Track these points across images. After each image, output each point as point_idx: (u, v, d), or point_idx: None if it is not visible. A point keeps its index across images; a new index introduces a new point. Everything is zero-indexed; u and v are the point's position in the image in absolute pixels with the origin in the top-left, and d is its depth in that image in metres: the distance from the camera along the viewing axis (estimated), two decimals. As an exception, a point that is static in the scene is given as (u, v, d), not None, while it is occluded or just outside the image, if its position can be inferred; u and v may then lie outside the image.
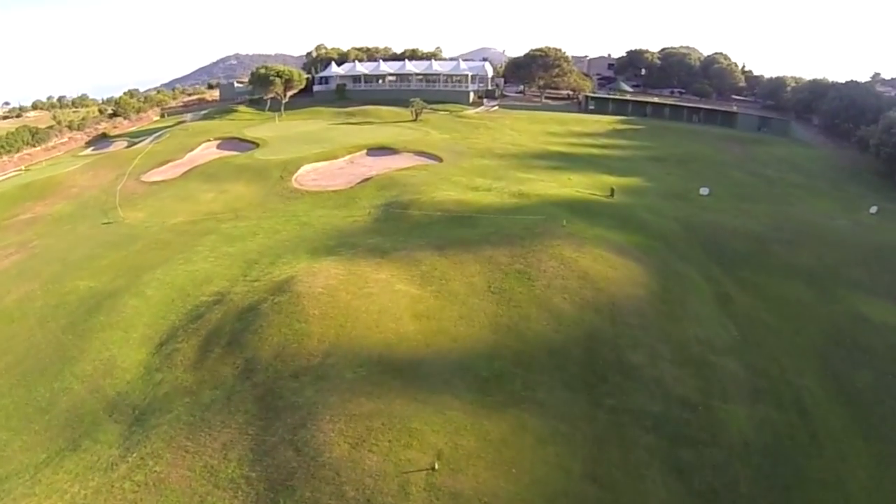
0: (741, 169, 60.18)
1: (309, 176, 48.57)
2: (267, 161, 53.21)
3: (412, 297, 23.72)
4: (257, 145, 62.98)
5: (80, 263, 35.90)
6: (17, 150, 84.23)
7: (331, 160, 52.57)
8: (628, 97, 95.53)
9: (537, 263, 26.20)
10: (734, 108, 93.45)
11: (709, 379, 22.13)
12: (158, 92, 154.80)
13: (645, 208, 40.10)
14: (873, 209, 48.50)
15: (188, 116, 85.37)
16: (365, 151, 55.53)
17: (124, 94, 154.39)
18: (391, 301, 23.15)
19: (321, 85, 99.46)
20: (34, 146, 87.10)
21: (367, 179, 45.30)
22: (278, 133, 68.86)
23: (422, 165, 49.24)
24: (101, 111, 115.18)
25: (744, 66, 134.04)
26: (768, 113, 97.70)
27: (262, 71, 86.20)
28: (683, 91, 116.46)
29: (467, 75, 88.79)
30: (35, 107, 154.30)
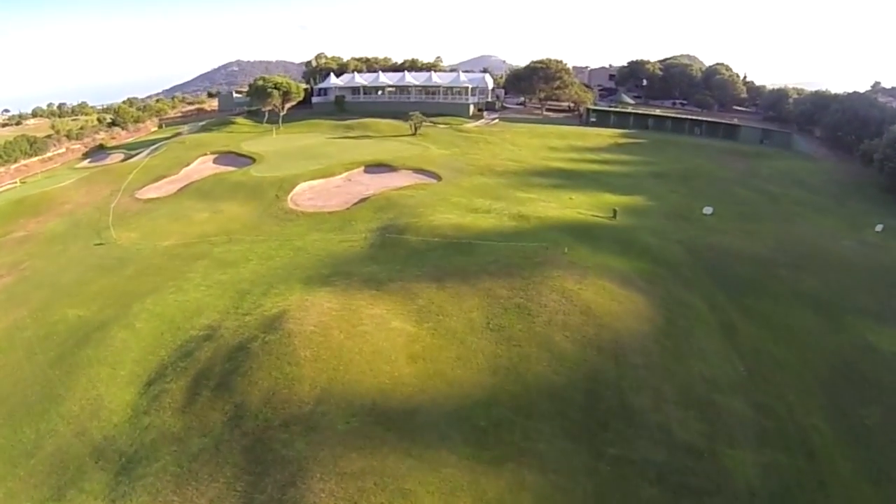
0: (744, 185, 59.65)
1: (305, 195, 48.01)
2: (262, 178, 52.71)
3: (408, 335, 23.11)
4: (254, 160, 62.56)
5: (70, 289, 35.39)
6: (15, 161, 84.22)
7: (327, 178, 52.05)
8: (630, 110, 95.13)
9: (538, 297, 25.60)
10: (736, 121, 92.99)
11: (714, 422, 21.52)
12: (158, 101, 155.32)
13: (648, 231, 39.58)
14: (879, 227, 48.08)
15: (185, 129, 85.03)
16: (362, 168, 55.02)
17: (123, 102, 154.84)
18: (386, 340, 22.54)
19: (320, 96, 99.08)
20: (32, 156, 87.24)
21: (363, 200, 44.73)
22: (275, 147, 68.39)
23: (420, 184, 48.67)
24: (99, 120, 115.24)
25: (745, 77, 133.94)
26: (770, 125, 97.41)
27: (260, 83, 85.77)
28: (685, 102, 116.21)
29: (467, 87, 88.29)
30: (35, 114, 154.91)
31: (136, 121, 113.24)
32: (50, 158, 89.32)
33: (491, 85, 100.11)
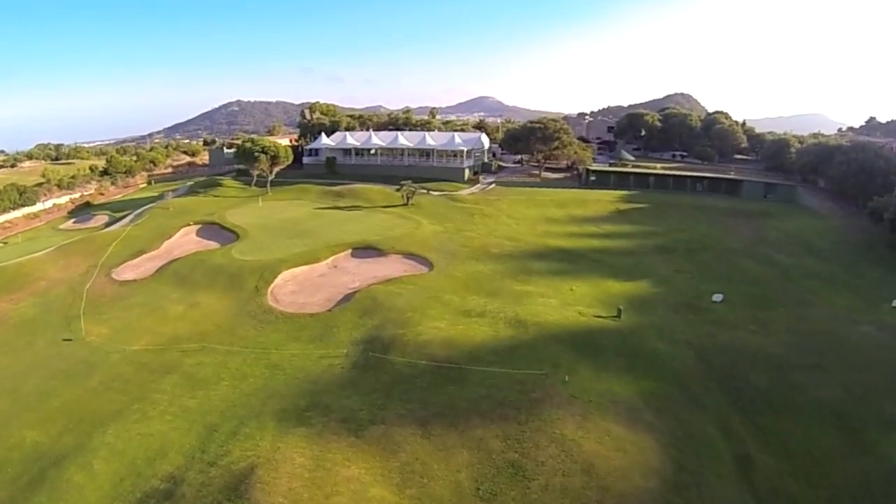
0: (752, 256, 57.83)
1: (287, 287, 46.00)
2: (244, 263, 50.85)
3: (387, 509, 20.73)
4: (237, 236, 61.16)
5: (30, 402, 33.36)
6: (3, 211, 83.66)
7: (312, 264, 50.21)
8: (630, 168, 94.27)
9: (534, 451, 23.25)
10: (733, 174, 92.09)
11: None
12: (152, 149, 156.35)
13: (655, 331, 37.57)
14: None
15: (170, 194, 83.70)
16: (349, 252, 53.29)
17: (117, 150, 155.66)
18: (362, 519, 20.15)
19: (311, 157, 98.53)
20: (21, 206, 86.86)
21: (348, 297, 42.77)
22: (260, 220, 67.03)
23: (409, 276, 46.67)
24: (91, 169, 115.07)
25: (744, 123, 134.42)
26: (773, 175, 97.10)
27: (248, 145, 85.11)
28: (685, 154, 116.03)
29: (462, 150, 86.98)
30: (30, 156, 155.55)
31: (128, 172, 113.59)
32: (35, 216, 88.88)
33: (487, 144, 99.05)
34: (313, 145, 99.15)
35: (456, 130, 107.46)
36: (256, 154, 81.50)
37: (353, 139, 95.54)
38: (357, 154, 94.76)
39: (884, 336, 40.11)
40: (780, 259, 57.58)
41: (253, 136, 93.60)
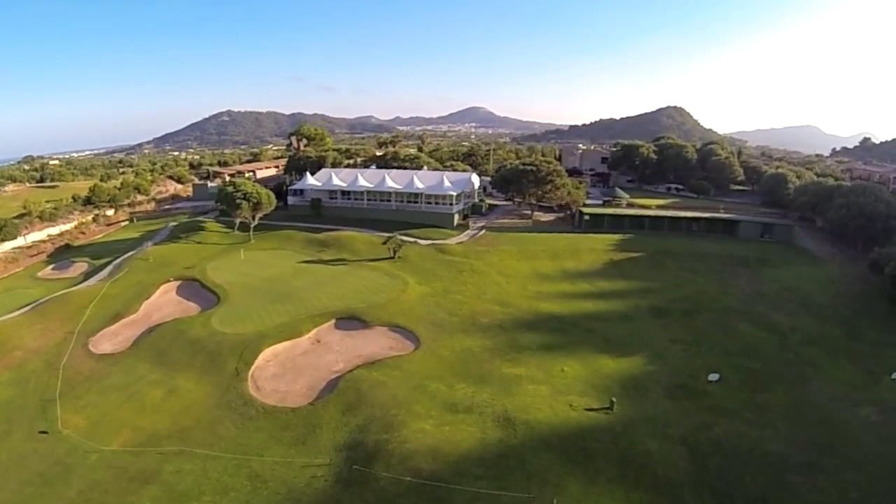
0: (750, 318, 58.19)
1: (268, 369, 45.84)
2: (223, 338, 50.63)
3: None
4: (217, 297, 61.23)
5: (7, 515, 32.89)
6: None
7: (294, 339, 50.25)
8: (625, 207, 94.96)
9: None
10: (735, 216, 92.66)
11: None
12: (137, 174, 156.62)
13: (649, 426, 37.87)
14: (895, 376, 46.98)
15: (148, 244, 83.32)
16: (333, 322, 53.46)
17: (101, 178, 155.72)
18: None
19: (296, 196, 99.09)
20: (1, 240, 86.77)
21: (331, 384, 42.81)
22: (242, 276, 67.26)
23: (395, 356, 46.72)
24: (74, 198, 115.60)
25: (741, 153, 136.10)
26: (770, 211, 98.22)
27: (230, 189, 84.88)
28: (681, 188, 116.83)
29: (451, 195, 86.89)
30: (13, 179, 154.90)
31: (111, 200, 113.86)
32: (14, 259, 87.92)
33: (477, 183, 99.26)
34: (298, 185, 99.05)
35: (445, 168, 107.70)
36: (238, 201, 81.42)
37: (338, 179, 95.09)
38: (343, 195, 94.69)
39: (882, 421, 40.49)
40: (778, 321, 57.89)
41: (235, 180, 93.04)
